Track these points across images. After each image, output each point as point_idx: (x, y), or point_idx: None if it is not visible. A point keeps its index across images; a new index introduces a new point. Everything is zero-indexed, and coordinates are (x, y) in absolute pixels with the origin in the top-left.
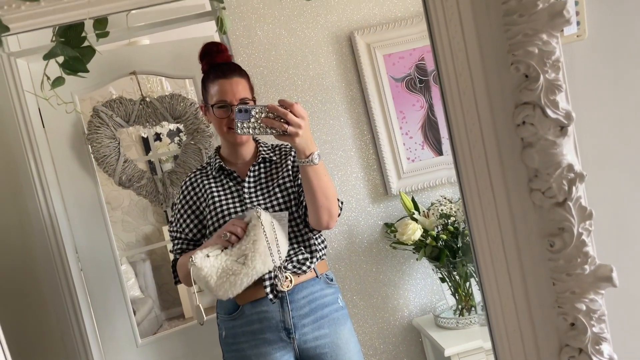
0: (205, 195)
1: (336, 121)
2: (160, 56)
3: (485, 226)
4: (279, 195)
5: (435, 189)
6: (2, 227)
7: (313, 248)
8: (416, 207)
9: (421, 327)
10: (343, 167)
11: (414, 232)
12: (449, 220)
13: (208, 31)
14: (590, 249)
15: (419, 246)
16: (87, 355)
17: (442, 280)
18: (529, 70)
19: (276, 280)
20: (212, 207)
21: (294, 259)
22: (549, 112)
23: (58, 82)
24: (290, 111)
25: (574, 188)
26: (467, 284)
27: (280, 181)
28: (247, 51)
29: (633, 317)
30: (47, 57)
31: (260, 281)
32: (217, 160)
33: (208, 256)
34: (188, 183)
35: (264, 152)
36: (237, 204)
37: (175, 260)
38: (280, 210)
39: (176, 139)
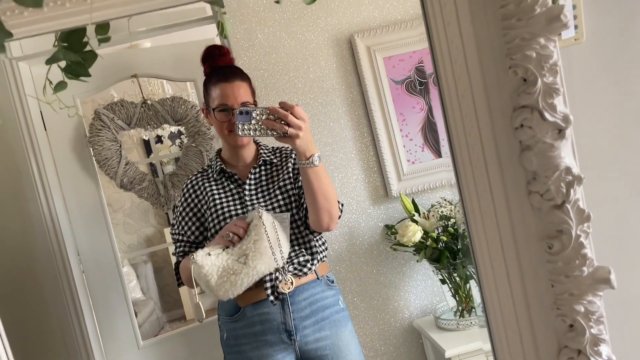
0: (206, 198)
1: (336, 123)
2: (161, 59)
3: (484, 228)
4: (279, 197)
5: (436, 190)
6: (4, 230)
7: (314, 250)
8: (416, 209)
9: (422, 328)
10: (343, 169)
11: (414, 233)
12: (449, 222)
13: (209, 34)
14: (588, 251)
15: (419, 248)
16: (89, 356)
17: (443, 281)
18: (527, 74)
19: (277, 281)
20: (213, 210)
21: (295, 260)
22: (546, 115)
23: (60, 86)
24: (291, 113)
25: (572, 190)
26: (467, 285)
27: (281, 183)
28: (247, 54)
29: (632, 318)
30: (50, 61)
31: (261, 283)
32: (218, 163)
33: (209, 254)
34: (189, 186)
35: (264, 155)
36: (238, 206)
37: (177, 263)
38: (281, 212)
39: (177, 141)
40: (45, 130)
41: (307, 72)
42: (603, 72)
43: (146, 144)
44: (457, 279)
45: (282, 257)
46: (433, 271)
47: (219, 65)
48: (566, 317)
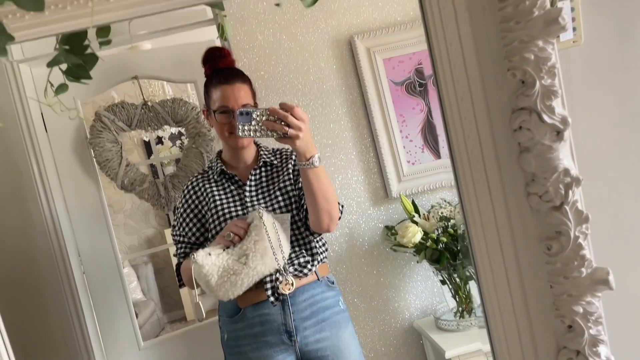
0: (207, 199)
1: (336, 125)
2: (161, 61)
3: (483, 230)
4: (279, 198)
5: (435, 191)
6: (5, 231)
7: (314, 251)
8: (416, 210)
9: (422, 329)
10: (344, 170)
11: (414, 234)
12: (449, 223)
13: (209, 35)
14: (586, 252)
15: (419, 249)
16: (90, 357)
17: (443, 282)
18: (525, 76)
19: (277, 282)
20: (214, 211)
21: (295, 261)
22: (545, 117)
23: (62, 89)
24: (291, 114)
25: (570, 192)
26: (467, 286)
27: (281, 185)
28: (248, 56)
29: (631, 319)
30: (51, 64)
31: (261, 284)
32: (219, 164)
33: (210, 254)
34: (190, 187)
35: (265, 156)
36: (239, 208)
37: (178, 264)
38: (282, 213)
39: (178, 142)
40: (46, 131)
41: (307, 73)
42: (601, 74)
43: (147, 145)
44: (457, 279)
45: (282, 257)
46: (433, 272)
47: (219, 67)
48: (565, 317)
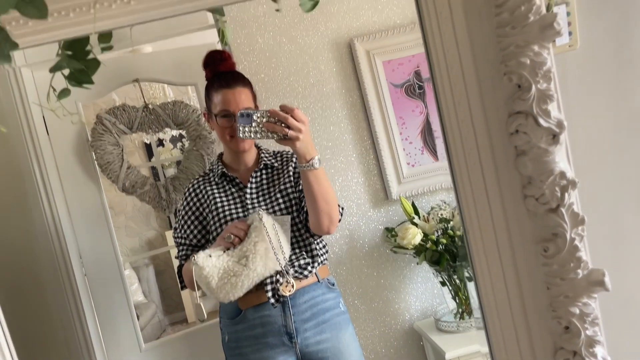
0: (208, 202)
1: (336, 127)
2: (162, 64)
3: (480, 232)
4: (280, 200)
5: (435, 193)
6: (7, 233)
7: (314, 253)
8: (416, 212)
9: (422, 330)
10: (344, 172)
11: (414, 236)
12: (449, 225)
13: (210, 39)
14: (583, 254)
15: (419, 250)
16: (91, 359)
17: (443, 284)
18: (521, 81)
19: (278, 284)
20: (215, 213)
21: (296, 263)
22: (541, 121)
23: (64, 93)
24: (291, 116)
25: (566, 194)
26: (467, 287)
27: (282, 187)
28: (248, 59)
29: (627, 319)
30: (54, 69)
31: (262, 285)
32: (220, 167)
33: (210, 256)
34: (191, 190)
35: (265, 159)
36: (240, 210)
37: (180, 266)
38: (282, 215)
39: (179, 144)
40: (48, 134)
41: (307, 76)
42: (597, 78)
43: (148, 148)
44: (457, 281)
45: (283, 259)
46: (433, 273)
47: (220, 70)
48: (562, 319)
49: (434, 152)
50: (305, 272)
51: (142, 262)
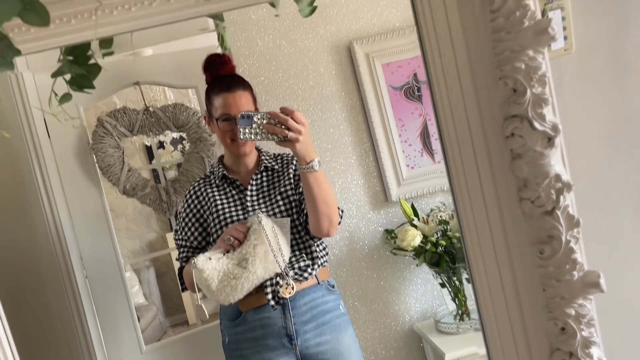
0: (208, 204)
1: (336, 129)
2: (163, 66)
3: (477, 234)
4: (280, 203)
5: (435, 195)
6: (9, 235)
7: (314, 255)
8: (416, 214)
9: (422, 332)
10: (343, 174)
11: (414, 238)
12: (448, 226)
13: (210, 41)
14: (578, 256)
15: (418, 252)
16: None
17: (442, 285)
18: (517, 85)
19: (278, 286)
20: (215, 215)
21: (296, 265)
22: (536, 124)
23: (65, 98)
24: (291, 118)
25: (561, 197)
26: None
27: (282, 189)
28: (248, 62)
29: (623, 321)
30: (55, 75)
31: (262, 288)
32: (220, 169)
33: (210, 259)
34: (192, 192)
35: (266, 161)
36: (240, 212)
37: (181, 268)
38: (282, 217)
39: (179, 146)
40: (49, 137)
41: (306, 79)
42: (592, 82)
43: (148, 150)
44: (457, 282)
45: (282, 261)
46: (433, 275)
47: (220, 74)
48: (558, 320)
49: (433, 154)
50: (305, 274)
51: (143, 264)
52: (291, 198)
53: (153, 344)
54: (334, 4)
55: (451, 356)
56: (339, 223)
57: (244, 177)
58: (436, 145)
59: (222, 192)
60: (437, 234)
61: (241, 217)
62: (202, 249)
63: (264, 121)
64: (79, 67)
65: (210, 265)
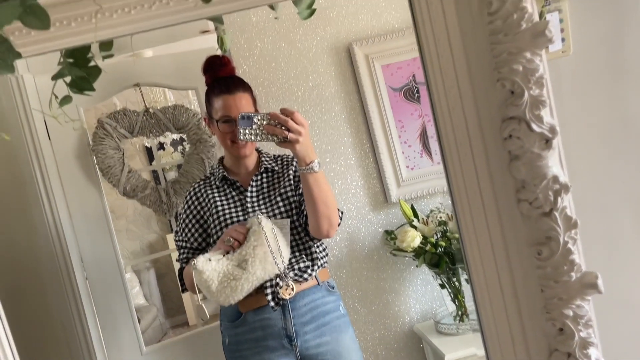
0: (209, 205)
1: (336, 131)
2: (163, 68)
3: (476, 236)
4: (280, 204)
5: (434, 196)
6: (9, 237)
7: (314, 256)
8: (415, 215)
9: (422, 333)
10: (343, 175)
11: (413, 239)
12: (448, 227)
13: (210, 43)
14: (576, 257)
15: (418, 253)
16: None
17: (442, 286)
18: (514, 87)
19: (278, 287)
20: (215, 217)
21: (296, 266)
22: (534, 126)
23: (65, 100)
24: (291, 119)
25: (559, 198)
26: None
27: (282, 190)
28: (248, 63)
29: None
30: (56, 77)
31: (262, 289)
32: (221, 170)
33: (210, 260)
34: (192, 193)
35: (266, 162)
36: (240, 213)
37: (181, 269)
38: (282, 218)
39: (179, 148)
40: (49, 139)
41: (306, 80)
42: (590, 83)
43: (148, 151)
44: (456, 283)
45: (282, 262)
46: (432, 276)
47: (220, 75)
48: (556, 321)
49: (432, 155)
50: (305, 275)
51: (143, 266)
52: (291, 199)
53: (153, 345)
54: (333, 6)
55: (451, 357)
56: (339, 224)
57: (244, 179)
58: (436, 146)
59: (222, 194)
60: (436, 235)
61: (241, 218)
62: (203, 250)
63: (264, 122)
64: (79, 69)
65: (210, 266)
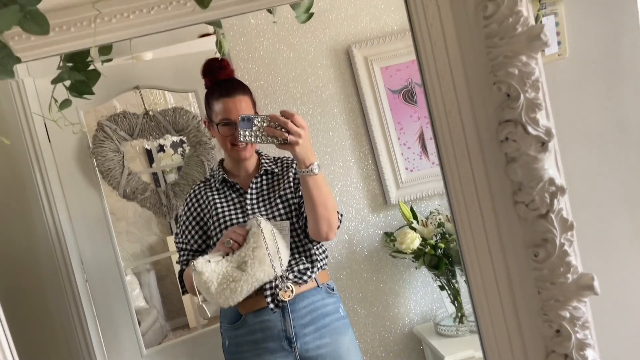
0: (209, 207)
1: (335, 133)
2: (162, 71)
3: (473, 238)
4: (280, 206)
5: (433, 198)
6: (10, 239)
7: (314, 258)
8: (415, 216)
9: (422, 335)
10: (343, 177)
11: (413, 241)
12: (446, 229)
13: (210, 45)
14: (572, 259)
15: (418, 255)
16: None
17: (442, 288)
18: (510, 90)
19: (277, 290)
20: (215, 219)
21: (295, 268)
22: (529, 129)
23: (65, 104)
24: (291, 121)
25: (555, 201)
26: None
27: (282, 192)
28: (247, 66)
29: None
30: (55, 81)
31: (261, 291)
32: (221, 173)
33: (209, 261)
34: (192, 195)
35: (266, 165)
36: (240, 215)
37: (181, 271)
38: (282, 221)
39: (179, 150)
40: (49, 141)
41: (305, 82)
42: (586, 86)
43: (148, 154)
44: (456, 285)
45: (281, 264)
46: (432, 278)
47: (219, 78)
48: (553, 322)
49: (431, 157)
50: (305, 277)
51: (144, 268)
52: (291, 201)
53: (154, 348)
54: (332, 8)
55: (451, 359)
56: (338, 227)
57: (244, 181)
58: (434, 148)
59: (222, 196)
60: (436, 236)
61: (241, 220)
62: (203, 252)
63: (264, 124)
64: (79, 73)
65: (210, 267)
